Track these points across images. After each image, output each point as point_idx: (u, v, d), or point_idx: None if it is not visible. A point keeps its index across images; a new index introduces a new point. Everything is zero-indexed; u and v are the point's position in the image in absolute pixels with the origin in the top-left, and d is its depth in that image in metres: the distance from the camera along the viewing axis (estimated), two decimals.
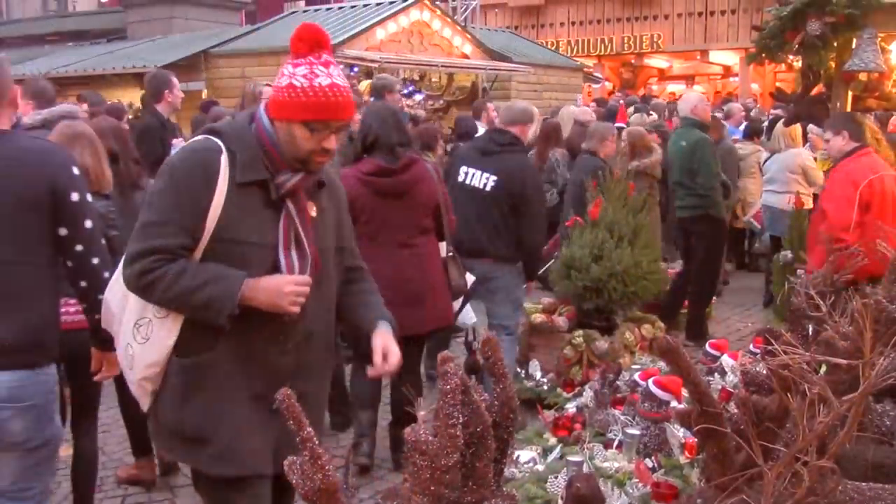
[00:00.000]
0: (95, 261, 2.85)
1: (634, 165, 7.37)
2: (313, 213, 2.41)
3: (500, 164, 5.04)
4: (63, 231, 2.77)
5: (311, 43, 2.26)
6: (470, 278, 4.71)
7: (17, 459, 2.78)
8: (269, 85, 7.73)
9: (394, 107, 5.31)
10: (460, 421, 1.46)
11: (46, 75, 12.64)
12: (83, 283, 2.87)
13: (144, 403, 2.45)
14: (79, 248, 2.81)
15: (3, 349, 2.65)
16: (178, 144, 7.24)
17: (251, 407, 2.36)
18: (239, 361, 2.33)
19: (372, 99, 7.81)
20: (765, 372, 1.86)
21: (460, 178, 5.15)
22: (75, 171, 2.85)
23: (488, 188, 5.01)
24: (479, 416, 1.54)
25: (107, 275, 2.75)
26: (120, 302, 2.45)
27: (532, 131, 8.97)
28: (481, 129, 8.14)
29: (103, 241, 2.97)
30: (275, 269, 2.30)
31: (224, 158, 2.28)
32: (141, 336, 2.35)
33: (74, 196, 2.79)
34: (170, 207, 2.26)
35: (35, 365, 2.74)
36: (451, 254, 4.55)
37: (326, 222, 2.47)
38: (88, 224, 2.83)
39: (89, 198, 2.89)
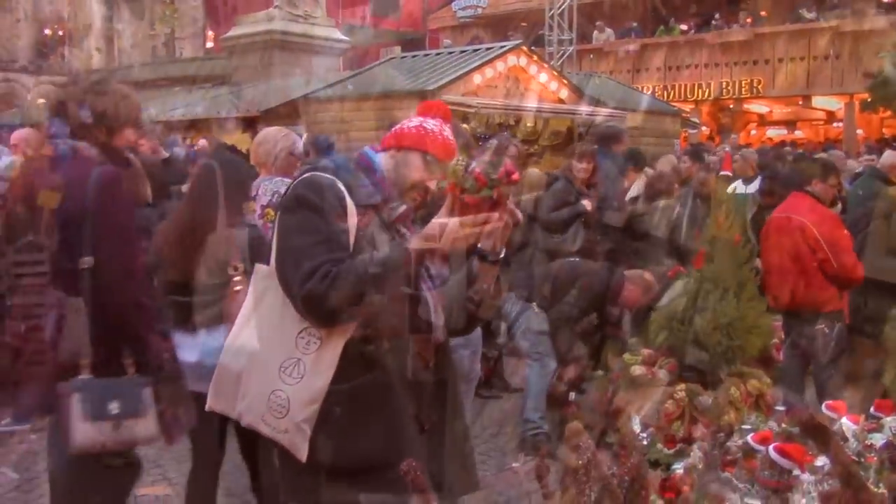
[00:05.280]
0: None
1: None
2: None
3: None
4: None
5: (438, 114, 2.57)
6: None
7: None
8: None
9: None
10: (592, 500, 1.37)
11: (157, 119, 13.19)
12: None
13: (302, 451, 2.29)
14: None
15: None
16: None
17: (413, 427, 2.38)
18: (396, 380, 2.34)
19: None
20: None
21: None
22: None
23: None
24: (611, 495, 1.44)
25: None
26: (245, 355, 2.40)
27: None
28: None
29: None
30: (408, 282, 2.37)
31: (341, 185, 2.38)
32: (291, 377, 2.28)
33: None
34: (321, 229, 2.31)
35: None
36: None
37: None
38: None
39: None
